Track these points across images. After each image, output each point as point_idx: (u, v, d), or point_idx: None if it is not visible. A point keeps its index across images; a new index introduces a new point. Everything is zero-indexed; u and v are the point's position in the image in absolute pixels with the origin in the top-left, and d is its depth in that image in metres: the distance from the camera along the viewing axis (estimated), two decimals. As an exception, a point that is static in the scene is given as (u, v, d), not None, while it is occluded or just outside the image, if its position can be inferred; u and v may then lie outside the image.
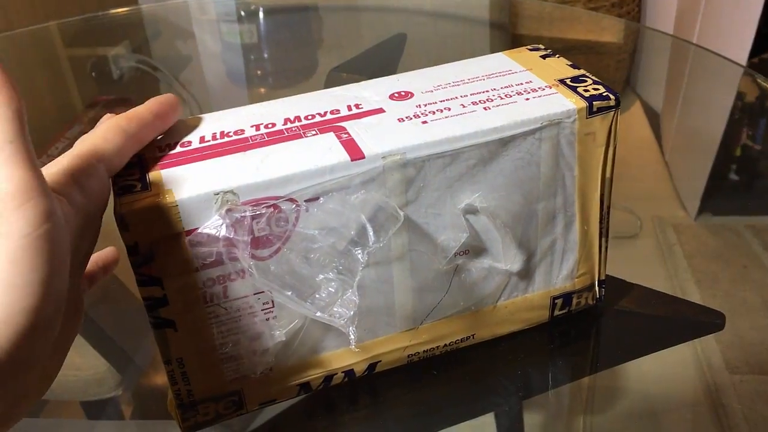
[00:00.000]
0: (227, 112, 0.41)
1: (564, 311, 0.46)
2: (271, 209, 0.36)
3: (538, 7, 1.60)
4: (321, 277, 0.38)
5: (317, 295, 0.38)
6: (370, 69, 0.84)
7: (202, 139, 0.39)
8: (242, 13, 1.34)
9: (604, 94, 0.41)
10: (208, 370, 0.40)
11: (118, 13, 1.30)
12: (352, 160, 0.37)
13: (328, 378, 0.43)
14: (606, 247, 0.46)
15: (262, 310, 0.39)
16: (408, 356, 0.44)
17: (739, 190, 1.10)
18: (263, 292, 0.39)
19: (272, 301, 0.40)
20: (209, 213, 0.35)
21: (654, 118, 1.30)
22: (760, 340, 0.78)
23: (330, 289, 0.38)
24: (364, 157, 0.37)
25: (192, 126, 0.40)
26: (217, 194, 0.35)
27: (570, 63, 0.45)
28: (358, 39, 1.28)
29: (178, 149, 0.38)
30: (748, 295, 0.87)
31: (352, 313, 0.37)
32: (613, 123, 0.42)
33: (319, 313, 0.37)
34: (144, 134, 0.37)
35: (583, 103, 0.40)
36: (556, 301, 0.46)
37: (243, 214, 0.35)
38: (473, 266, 0.42)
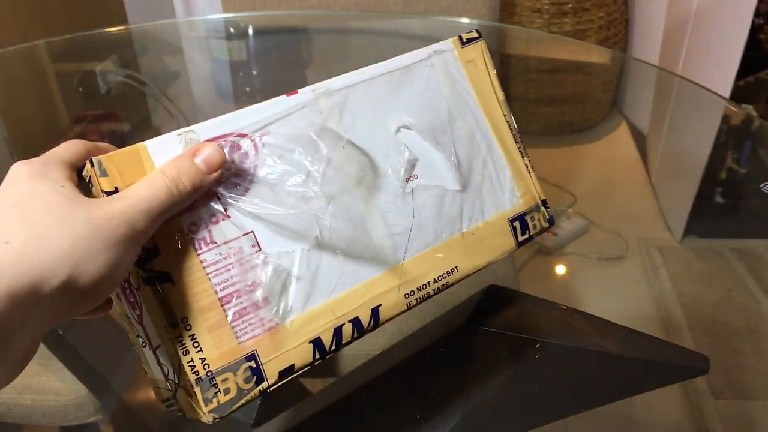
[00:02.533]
0: None
1: (525, 236, 0.51)
2: (230, 145, 0.41)
3: (526, 31, 1.62)
4: (290, 208, 0.42)
5: (291, 229, 0.42)
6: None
7: None
8: (232, 30, 1.35)
9: (470, 33, 0.51)
10: (217, 331, 0.40)
11: (107, 32, 1.30)
12: (288, 96, 0.44)
13: (338, 330, 0.43)
14: (532, 167, 0.52)
15: (252, 253, 0.41)
16: (405, 297, 0.46)
17: (724, 213, 1.11)
18: (250, 232, 0.41)
19: (258, 243, 0.42)
20: (176, 153, 0.39)
21: (640, 140, 1.31)
22: (744, 365, 0.78)
23: (300, 218, 0.43)
24: (296, 92, 0.44)
25: None
26: (180, 134, 0.39)
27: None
28: (347, 60, 1.28)
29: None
30: (732, 319, 0.87)
31: (327, 237, 0.43)
32: (484, 51, 0.51)
33: (297, 244, 0.42)
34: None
35: (456, 39, 0.51)
36: (514, 224, 0.51)
37: None
38: (427, 190, 0.47)
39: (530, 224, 0.51)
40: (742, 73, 1.37)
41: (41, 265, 0.30)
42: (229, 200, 0.40)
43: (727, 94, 1.32)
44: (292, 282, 0.42)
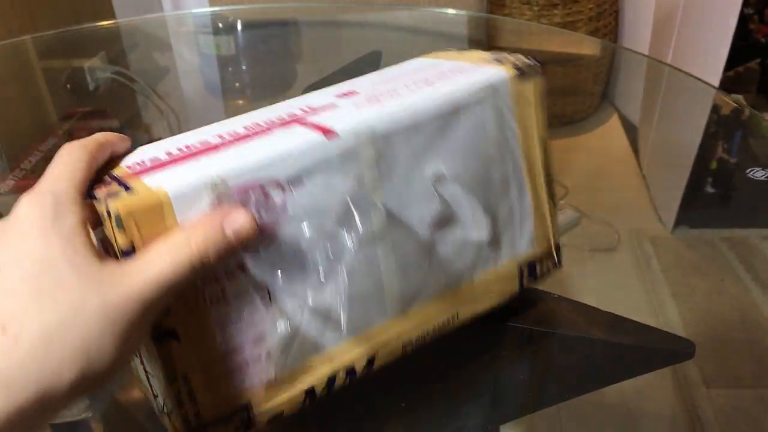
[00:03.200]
0: (181, 134, 0.41)
1: (531, 280, 0.49)
2: (259, 194, 0.36)
3: (516, 22, 1.61)
4: (311, 263, 0.39)
5: (309, 284, 0.39)
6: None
7: (169, 153, 0.38)
8: (220, 25, 1.34)
9: (528, 62, 0.46)
10: (216, 384, 0.38)
11: (95, 26, 1.29)
12: (327, 140, 0.38)
13: (332, 380, 0.42)
14: (555, 213, 0.49)
15: (263, 307, 0.39)
16: (403, 346, 0.44)
17: (715, 203, 1.11)
18: (265, 287, 0.38)
19: (271, 298, 0.39)
20: (202, 205, 0.35)
21: (631, 131, 1.31)
22: (736, 354, 0.78)
23: (320, 274, 0.39)
24: (337, 135, 0.38)
25: (151, 147, 0.40)
26: (207, 184, 0.35)
27: (484, 51, 0.50)
28: (337, 53, 1.28)
29: (148, 163, 0.37)
30: (724, 309, 0.88)
31: (343, 295, 0.39)
32: (541, 85, 0.47)
33: (311, 300, 0.39)
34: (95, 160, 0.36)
35: (513, 70, 0.45)
36: (523, 270, 0.48)
37: (233, 200, 0.36)
38: (448, 239, 0.44)
39: (538, 269, 0.49)
40: (732, 63, 1.37)
41: (51, 370, 0.28)
42: (250, 254, 0.37)
43: (716, 83, 1.32)
44: (297, 337, 0.40)
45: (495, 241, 0.46)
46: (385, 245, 0.41)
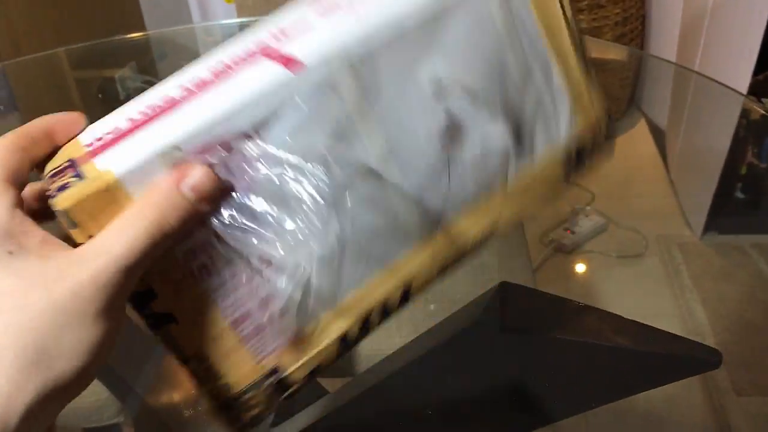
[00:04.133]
0: (154, 87, 0.38)
1: (580, 164, 0.43)
2: (223, 151, 0.33)
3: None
4: (304, 210, 0.36)
5: (307, 233, 0.36)
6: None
7: (130, 120, 0.34)
8: (247, 35, 1.35)
9: None
10: (233, 355, 0.36)
11: (126, 38, 1.31)
12: (293, 74, 0.34)
13: (366, 323, 0.39)
14: (593, 79, 0.43)
15: (262, 266, 0.36)
16: (438, 271, 0.40)
17: (745, 209, 1.10)
18: (256, 245, 0.35)
19: (269, 254, 0.36)
20: (157, 178, 0.32)
21: (659, 136, 1.30)
22: (766, 362, 0.77)
23: (317, 220, 0.36)
24: (304, 67, 0.34)
25: (118, 113, 0.37)
26: (159, 155, 0.32)
27: None
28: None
29: (107, 137, 0.33)
30: (754, 316, 0.86)
31: (351, 236, 0.36)
32: None
33: (316, 248, 0.36)
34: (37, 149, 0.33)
35: None
36: (568, 157, 0.43)
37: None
38: (467, 150, 0.39)
39: (586, 153, 0.43)
40: (760, 68, 1.36)
41: (5, 393, 0.25)
42: (229, 221, 0.34)
43: (744, 88, 1.30)
44: (312, 286, 0.38)
45: (524, 137, 0.41)
46: (391, 174, 0.38)
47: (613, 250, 1.08)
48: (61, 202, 0.30)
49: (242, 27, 1.36)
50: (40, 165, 0.32)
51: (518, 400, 0.46)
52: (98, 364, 0.28)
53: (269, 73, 0.34)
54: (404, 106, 0.38)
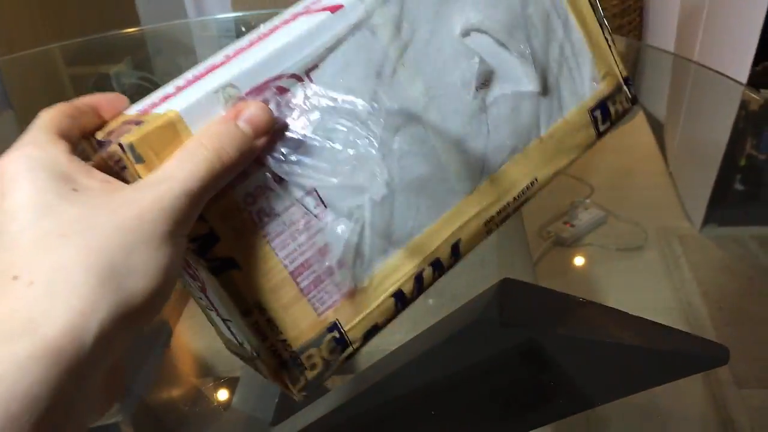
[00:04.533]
0: (192, 68, 0.39)
1: (607, 125, 0.46)
2: (275, 91, 0.35)
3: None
4: (356, 154, 0.37)
5: (359, 178, 0.37)
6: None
7: (177, 87, 0.36)
8: (243, 29, 1.35)
9: None
10: (293, 307, 0.37)
11: (121, 33, 1.30)
12: (332, 13, 0.36)
13: (419, 278, 0.40)
14: (613, 41, 0.46)
15: (318, 213, 0.37)
16: (485, 224, 0.42)
17: (744, 200, 1.10)
18: (312, 190, 0.36)
19: (323, 201, 0.37)
20: (216, 115, 0.33)
21: (658, 128, 1.29)
22: (767, 354, 0.77)
23: (368, 164, 0.37)
24: (342, 6, 0.36)
25: (162, 88, 0.38)
26: (216, 92, 0.33)
27: None
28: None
29: (158, 100, 0.35)
30: (755, 308, 0.86)
31: (400, 184, 0.38)
32: None
33: (368, 195, 0.37)
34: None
35: None
36: (595, 114, 0.45)
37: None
38: (502, 99, 0.41)
39: (612, 110, 0.46)
40: (760, 58, 1.35)
41: (78, 310, 0.25)
42: (285, 158, 0.35)
43: (744, 79, 1.30)
44: (366, 237, 0.38)
45: (553, 89, 0.43)
46: (432, 118, 0.39)
47: (613, 243, 1.08)
48: (127, 138, 0.31)
49: (238, 21, 1.35)
50: (86, 136, 0.33)
51: (521, 398, 0.46)
52: (165, 288, 0.28)
53: (311, 20, 0.36)
54: (438, 48, 0.39)
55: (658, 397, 0.56)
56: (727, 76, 0.89)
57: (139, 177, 0.31)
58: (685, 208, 1.11)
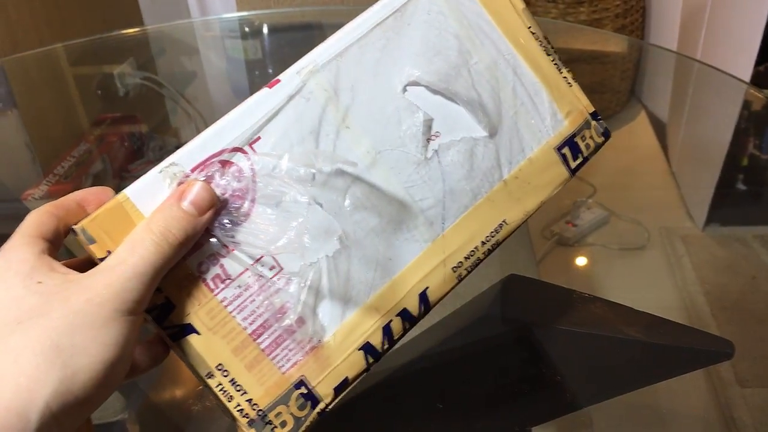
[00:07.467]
0: None
1: (579, 160, 0.45)
2: (219, 166, 0.37)
3: (541, 20, 1.60)
4: (306, 217, 0.38)
5: (303, 233, 0.38)
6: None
7: None
8: (246, 29, 1.35)
9: None
10: (256, 368, 0.37)
11: (124, 33, 1.31)
12: (270, 88, 0.38)
13: (387, 329, 0.40)
14: (573, 79, 0.45)
15: (273, 276, 0.38)
16: (454, 270, 0.42)
17: (746, 200, 1.10)
18: (264, 256, 0.37)
19: (277, 263, 0.38)
20: (163, 195, 0.35)
21: (660, 128, 1.29)
22: (770, 353, 0.77)
23: (313, 220, 0.38)
24: (279, 81, 0.38)
25: None
26: (161, 171, 0.35)
27: None
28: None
29: None
30: (757, 307, 0.86)
31: (356, 239, 0.39)
32: None
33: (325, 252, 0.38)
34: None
35: None
36: (562, 151, 0.45)
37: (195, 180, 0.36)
38: (452, 148, 0.42)
39: (582, 145, 0.45)
40: (762, 57, 1.35)
41: (24, 387, 0.27)
42: (233, 226, 0.37)
43: (747, 78, 1.30)
44: (324, 294, 0.39)
45: (511, 131, 0.43)
46: (382, 174, 0.40)
47: (615, 243, 1.08)
48: (80, 223, 0.34)
49: (242, 21, 1.35)
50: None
51: (527, 393, 0.46)
52: (115, 364, 0.30)
53: (253, 96, 0.38)
54: (381, 107, 0.40)
55: (659, 396, 0.56)
56: (731, 75, 0.89)
57: (96, 257, 0.33)
58: (687, 208, 1.11)
